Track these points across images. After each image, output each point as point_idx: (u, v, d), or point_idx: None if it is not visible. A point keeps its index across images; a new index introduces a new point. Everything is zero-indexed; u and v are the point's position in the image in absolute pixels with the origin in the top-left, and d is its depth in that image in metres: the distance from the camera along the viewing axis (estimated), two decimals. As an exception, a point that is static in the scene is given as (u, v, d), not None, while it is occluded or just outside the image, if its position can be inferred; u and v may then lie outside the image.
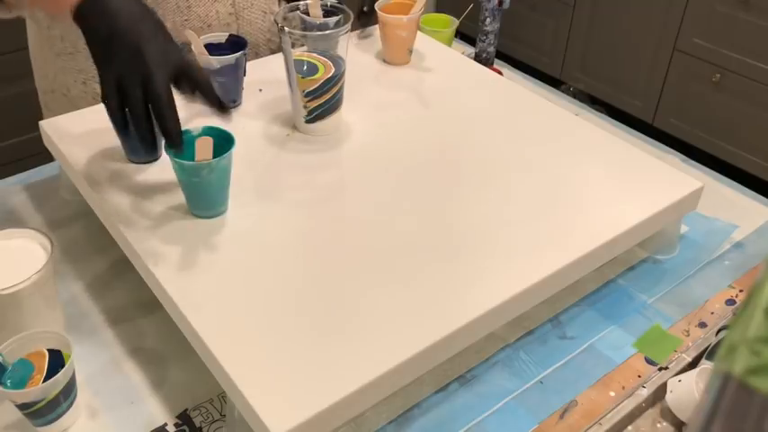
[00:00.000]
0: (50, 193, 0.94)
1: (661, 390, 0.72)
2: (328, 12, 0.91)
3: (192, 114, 0.91)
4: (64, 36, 0.96)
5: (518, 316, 0.72)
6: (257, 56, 1.08)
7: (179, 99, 0.70)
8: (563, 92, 1.29)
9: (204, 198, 0.75)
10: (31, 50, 1.05)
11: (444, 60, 1.09)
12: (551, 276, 0.71)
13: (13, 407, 0.63)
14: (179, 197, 0.78)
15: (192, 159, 0.72)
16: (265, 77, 1.00)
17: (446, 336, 0.64)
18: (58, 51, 0.97)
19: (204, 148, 0.72)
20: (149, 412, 0.68)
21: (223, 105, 0.71)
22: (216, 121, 0.74)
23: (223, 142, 0.73)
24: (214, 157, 0.72)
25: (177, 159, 0.71)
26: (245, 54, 0.92)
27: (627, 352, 0.76)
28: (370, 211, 0.79)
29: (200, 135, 0.73)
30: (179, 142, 0.69)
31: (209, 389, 0.70)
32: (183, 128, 0.71)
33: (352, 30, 0.83)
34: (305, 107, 0.87)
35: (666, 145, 1.10)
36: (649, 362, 0.75)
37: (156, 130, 0.71)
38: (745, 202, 0.99)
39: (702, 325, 0.80)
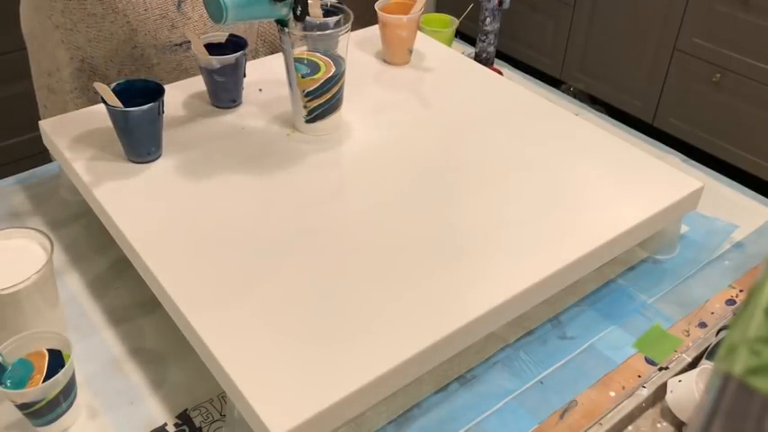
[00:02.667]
0: (50, 193, 0.94)
1: (661, 390, 0.72)
2: (328, 12, 0.91)
3: (193, 113, 0.91)
4: (65, 11, 0.95)
5: (518, 316, 0.72)
6: (273, 50, 1.08)
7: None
8: (563, 92, 1.29)
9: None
10: (28, 29, 1.03)
11: (444, 60, 1.09)
12: (551, 276, 0.71)
13: (13, 407, 0.63)
14: (179, 196, 0.78)
15: None
16: (265, 77, 1.00)
17: (446, 336, 0.64)
18: (57, 23, 0.97)
19: None
20: (149, 412, 0.68)
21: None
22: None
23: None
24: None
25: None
26: (244, 54, 0.92)
27: (627, 352, 0.76)
28: (369, 210, 0.79)
29: None
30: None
31: (210, 389, 0.70)
32: None
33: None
34: (305, 107, 0.87)
35: (666, 145, 1.10)
36: (649, 362, 0.75)
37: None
38: (745, 202, 0.99)
39: (702, 325, 0.80)
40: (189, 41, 0.99)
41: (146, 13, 0.94)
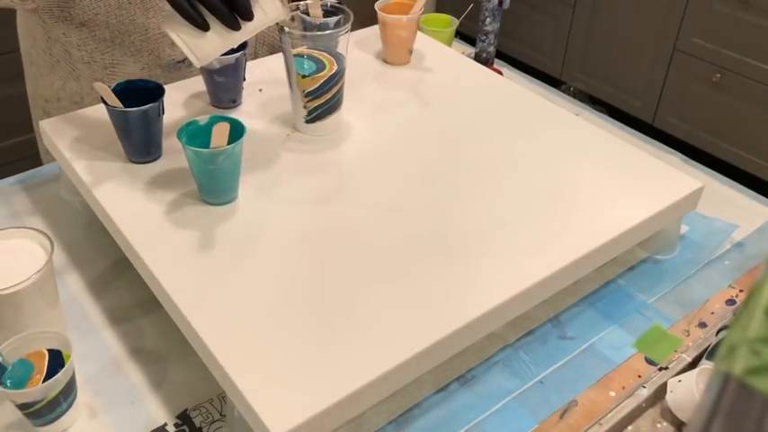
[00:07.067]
0: (50, 193, 0.94)
1: (661, 390, 0.72)
2: (328, 12, 0.91)
3: (193, 113, 0.91)
4: (80, 44, 0.95)
5: (518, 316, 0.72)
6: (273, 52, 1.08)
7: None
8: (563, 92, 1.29)
9: (219, 184, 0.77)
10: (26, 51, 1.03)
11: (444, 60, 1.09)
12: (551, 276, 0.71)
13: (13, 407, 0.63)
14: (179, 197, 0.78)
15: (206, 147, 0.73)
16: (265, 77, 1.00)
17: (446, 336, 0.64)
18: (60, 58, 0.97)
19: (221, 134, 0.73)
20: (149, 412, 0.68)
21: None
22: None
23: (232, 130, 0.75)
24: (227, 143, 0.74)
25: (192, 148, 0.73)
26: (244, 54, 0.92)
27: (627, 352, 0.76)
28: (369, 210, 0.79)
29: (213, 122, 0.75)
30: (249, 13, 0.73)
31: (209, 389, 0.70)
32: (192, 118, 0.75)
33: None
34: (305, 107, 0.87)
35: (666, 145, 1.10)
36: (649, 362, 0.75)
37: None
38: (745, 202, 0.99)
39: (702, 325, 0.80)
40: None
41: (146, 33, 0.95)
